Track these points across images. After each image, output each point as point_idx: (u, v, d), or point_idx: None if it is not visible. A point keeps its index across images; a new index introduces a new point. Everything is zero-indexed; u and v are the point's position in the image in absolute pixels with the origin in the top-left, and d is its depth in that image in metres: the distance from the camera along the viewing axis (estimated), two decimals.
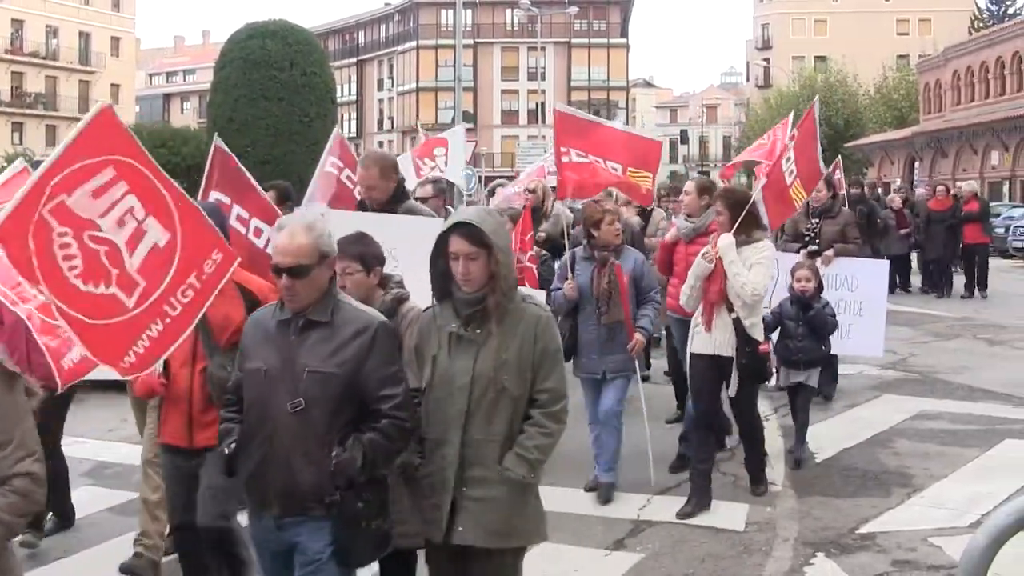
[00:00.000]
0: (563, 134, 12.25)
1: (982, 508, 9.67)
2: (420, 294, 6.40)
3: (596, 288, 10.13)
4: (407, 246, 7.90)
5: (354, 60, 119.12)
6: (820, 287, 11.70)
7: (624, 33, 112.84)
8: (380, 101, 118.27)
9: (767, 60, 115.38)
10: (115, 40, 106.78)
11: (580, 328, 10.24)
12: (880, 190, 36.17)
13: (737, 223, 9.59)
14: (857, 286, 13.75)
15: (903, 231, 27.11)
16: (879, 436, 12.69)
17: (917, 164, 66.87)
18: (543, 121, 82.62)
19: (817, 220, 14.39)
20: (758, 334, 9.65)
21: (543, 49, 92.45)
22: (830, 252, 13.89)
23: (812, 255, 13.44)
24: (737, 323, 9.51)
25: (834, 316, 11.64)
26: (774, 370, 10.68)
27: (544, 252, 14.11)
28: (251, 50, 42.19)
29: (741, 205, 9.69)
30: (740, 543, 9.08)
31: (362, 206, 9.73)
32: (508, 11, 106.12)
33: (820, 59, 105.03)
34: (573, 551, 8.68)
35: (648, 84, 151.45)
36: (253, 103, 41.14)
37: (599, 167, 12.14)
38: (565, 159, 12.15)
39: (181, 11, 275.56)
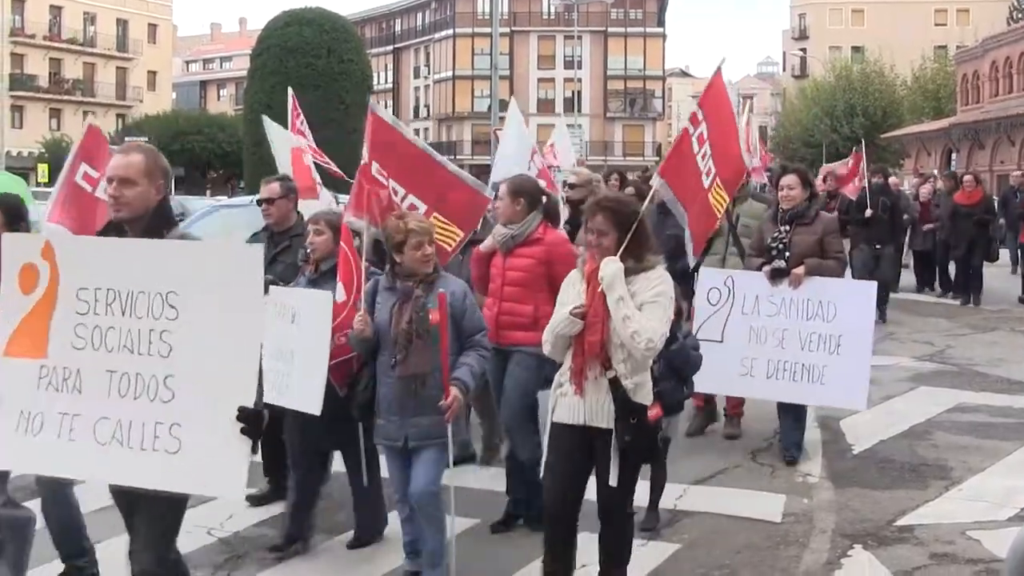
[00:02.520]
0: (375, 145, 9.22)
1: (1021, 501, 9.64)
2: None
3: (394, 328, 7.70)
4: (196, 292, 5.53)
5: (390, 48, 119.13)
6: (680, 315, 9.01)
7: (660, 22, 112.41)
8: (416, 89, 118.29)
9: (804, 50, 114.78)
10: (152, 27, 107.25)
11: (378, 380, 7.87)
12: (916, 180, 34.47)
13: (625, 244, 7.02)
14: (835, 315, 10.82)
15: (927, 226, 25.10)
16: (916, 428, 12.61)
17: (954, 155, 66.41)
18: (579, 110, 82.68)
19: (788, 228, 11.20)
20: (645, 396, 7.08)
21: (579, 38, 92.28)
22: (800, 269, 10.97)
23: (778, 274, 11.03)
24: (615, 385, 6.98)
25: (697, 349, 9.09)
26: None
27: None
28: (288, 37, 42.39)
29: (629, 220, 7.09)
30: (777, 534, 9.04)
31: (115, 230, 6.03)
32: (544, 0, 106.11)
33: (857, 49, 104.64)
34: None
35: (684, 73, 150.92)
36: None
37: (393, 198, 9.20)
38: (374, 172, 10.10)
39: None
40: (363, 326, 7.70)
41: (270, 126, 13.58)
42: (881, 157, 57.53)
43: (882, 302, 19.71)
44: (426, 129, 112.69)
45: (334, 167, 13.47)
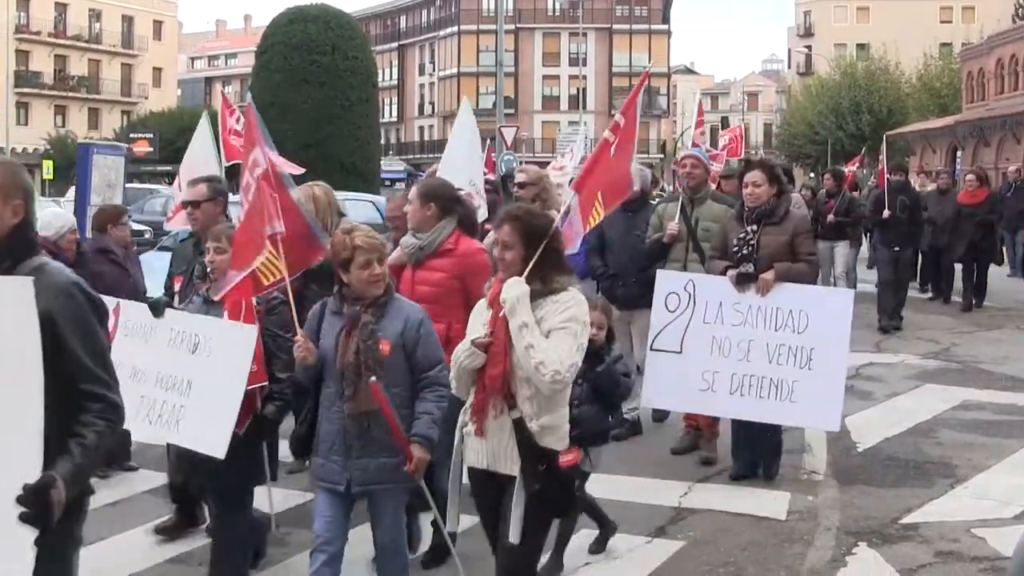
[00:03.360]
0: (250, 134, 8.33)
1: None
2: None
3: (341, 359, 6.68)
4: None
5: (396, 45, 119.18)
6: (611, 336, 8.43)
7: (666, 19, 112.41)
8: (421, 86, 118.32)
9: (809, 47, 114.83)
10: (157, 24, 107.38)
11: (320, 414, 6.87)
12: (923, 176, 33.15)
13: (533, 262, 6.09)
14: (807, 326, 9.81)
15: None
16: (921, 426, 12.59)
17: (959, 153, 66.33)
18: (584, 107, 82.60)
19: (755, 228, 10.14)
20: (556, 440, 6.12)
21: (584, 35, 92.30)
22: (769, 275, 9.93)
23: (743, 279, 10.03)
24: (520, 426, 6.04)
25: (628, 375, 8.36)
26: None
27: None
28: (293, 34, 42.45)
29: (539, 234, 6.15)
30: (782, 532, 9.04)
31: None
32: None
33: (862, 47, 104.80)
34: (615, 537, 8.65)
35: (689, 70, 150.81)
36: (294, 87, 41.37)
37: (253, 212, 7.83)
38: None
39: None
40: (304, 353, 6.72)
41: (203, 127, 13.42)
42: (887, 155, 57.32)
43: (900, 307, 19.84)
44: (431, 126, 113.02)
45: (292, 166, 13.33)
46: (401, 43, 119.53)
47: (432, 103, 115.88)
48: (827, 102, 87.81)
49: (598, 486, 8.47)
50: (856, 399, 13.84)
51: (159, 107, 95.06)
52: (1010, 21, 68.32)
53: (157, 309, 8.02)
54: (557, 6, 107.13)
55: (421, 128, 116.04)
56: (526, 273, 6.07)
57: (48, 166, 64.89)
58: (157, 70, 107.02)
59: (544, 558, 7.38)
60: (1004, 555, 7.67)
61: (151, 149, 72.68)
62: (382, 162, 52.57)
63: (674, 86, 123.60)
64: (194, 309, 7.89)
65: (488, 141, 14.65)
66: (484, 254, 8.02)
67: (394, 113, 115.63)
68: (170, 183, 62.09)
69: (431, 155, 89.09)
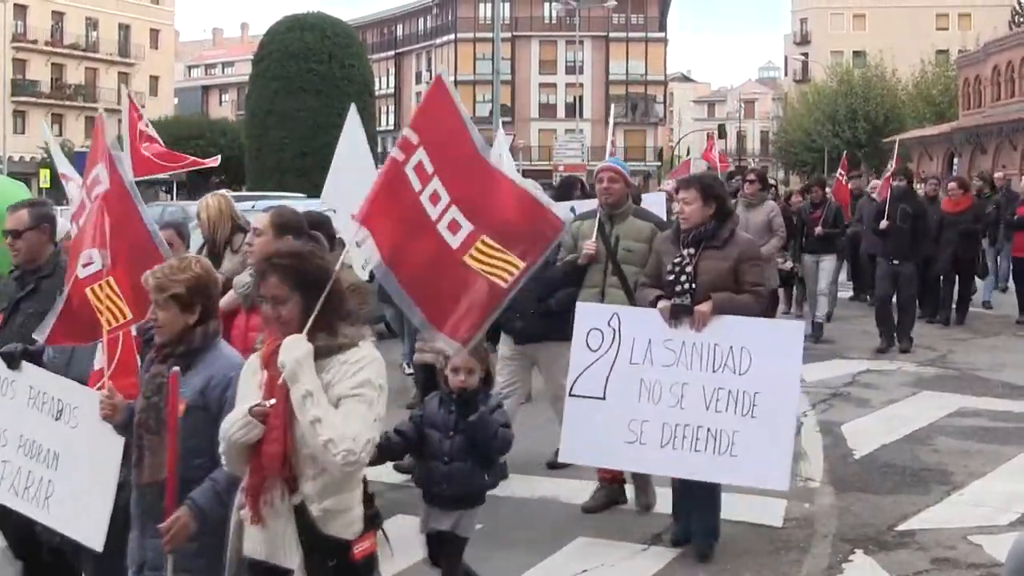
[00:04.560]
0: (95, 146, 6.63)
1: (1022, 506, 9.65)
2: None
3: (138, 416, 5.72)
4: None
5: (392, 53, 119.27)
6: (489, 380, 7.44)
7: (662, 27, 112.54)
8: (418, 94, 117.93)
9: (805, 55, 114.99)
10: (154, 32, 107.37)
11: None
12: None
13: (314, 315, 5.03)
14: (749, 366, 8.26)
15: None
16: (918, 433, 12.57)
17: (956, 160, 66.42)
18: (581, 115, 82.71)
19: (692, 251, 8.63)
20: (346, 526, 5.12)
21: (581, 43, 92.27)
22: (705, 306, 8.41)
23: (677, 311, 8.50)
24: (300, 512, 5.04)
25: (507, 426, 7.22)
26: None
27: None
28: (289, 42, 42.58)
29: (316, 279, 5.10)
30: (778, 539, 9.05)
31: None
32: (546, 4, 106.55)
33: (858, 54, 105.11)
34: (610, 545, 8.67)
35: (686, 78, 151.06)
36: (291, 95, 41.50)
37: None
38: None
39: (220, 4, 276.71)
40: (108, 410, 5.87)
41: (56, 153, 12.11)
42: (882, 162, 57.39)
43: (909, 327, 18.25)
44: None
45: (197, 163, 13.03)
46: (398, 51, 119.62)
47: None
48: (824, 109, 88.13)
49: (591, 495, 8.46)
50: (853, 406, 13.89)
51: (156, 116, 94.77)
52: (1006, 28, 68.56)
53: (12, 360, 6.81)
54: (554, 14, 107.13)
55: None
56: (307, 328, 5.01)
57: (45, 175, 64.74)
58: (154, 78, 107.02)
59: None
60: (1000, 562, 7.65)
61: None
62: (378, 170, 52.51)
63: (671, 94, 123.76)
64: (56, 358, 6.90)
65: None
66: None
67: (391, 121, 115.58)
68: (167, 192, 61.95)
69: None
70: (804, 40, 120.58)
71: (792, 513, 9.68)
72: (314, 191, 20.48)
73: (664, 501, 9.56)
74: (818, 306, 19.34)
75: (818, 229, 19.21)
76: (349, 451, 4.79)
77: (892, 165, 20.91)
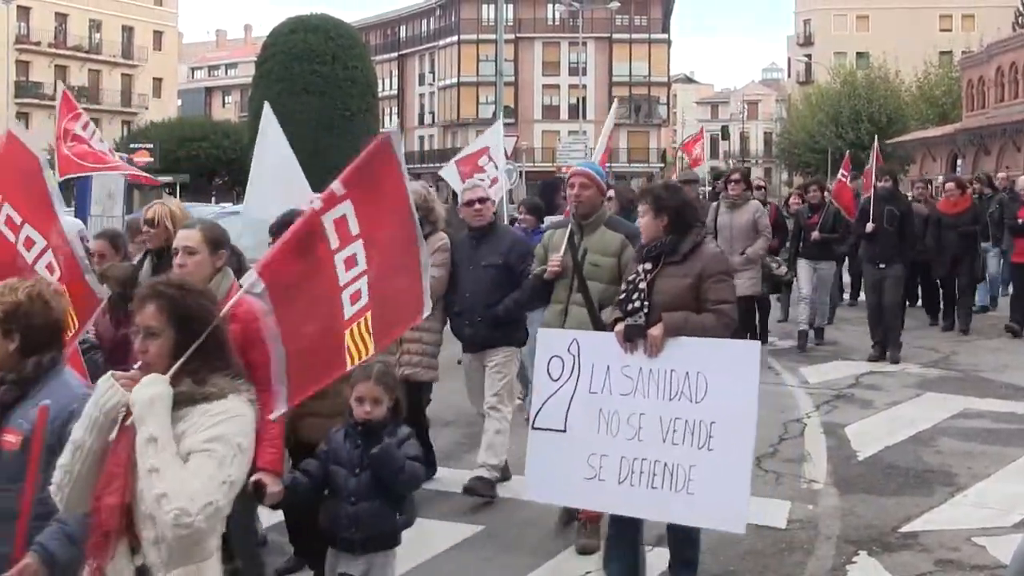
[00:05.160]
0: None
1: None
2: None
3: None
4: None
5: (395, 54, 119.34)
6: (398, 411, 6.71)
7: (665, 28, 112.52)
8: (421, 95, 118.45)
9: (809, 56, 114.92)
10: (157, 34, 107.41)
11: None
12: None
13: (186, 356, 4.47)
14: (705, 393, 7.31)
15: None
16: (922, 434, 12.56)
17: (960, 161, 66.35)
18: (584, 116, 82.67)
19: (649, 268, 7.73)
20: None
21: (584, 44, 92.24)
22: (656, 329, 7.45)
23: (633, 333, 7.54)
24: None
25: (418, 458, 6.59)
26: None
27: None
28: (293, 44, 42.69)
29: (197, 319, 4.53)
30: (782, 541, 9.03)
31: None
32: (549, 6, 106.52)
33: (862, 55, 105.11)
34: None
35: (689, 80, 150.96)
36: (294, 97, 41.57)
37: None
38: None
39: (223, 5, 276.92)
40: None
41: None
42: (887, 163, 57.43)
43: (895, 334, 17.52)
44: (431, 136, 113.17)
45: (134, 170, 12.92)
46: (401, 53, 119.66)
47: (432, 112, 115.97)
48: (827, 111, 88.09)
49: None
50: (857, 408, 13.88)
51: (159, 117, 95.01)
52: (1010, 29, 68.43)
53: None
54: (557, 15, 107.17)
55: (421, 138, 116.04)
56: (173, 370, 4.42)
57: (48, 176, 64.89)
58: (157, 80, 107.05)
59: None
60: (1004, 563, 7.65)
61: (152, 159, 72.75)
62: None
63: (674, 95, 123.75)
64: None
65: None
66: (261, 320, 5.55)
67: (394, 123, 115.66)
68: (171, 193, 61.96)
69: (431, 164, 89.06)
70: (807, 41, 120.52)
71: (796, 514, 9.67)
72: (316, 190, 20.52)
73: None
74: (814, 313, 18.69)
75: (815, 234, 18.37)
76: (182, 511, 4.06)
77: (873, 162, 19.72)
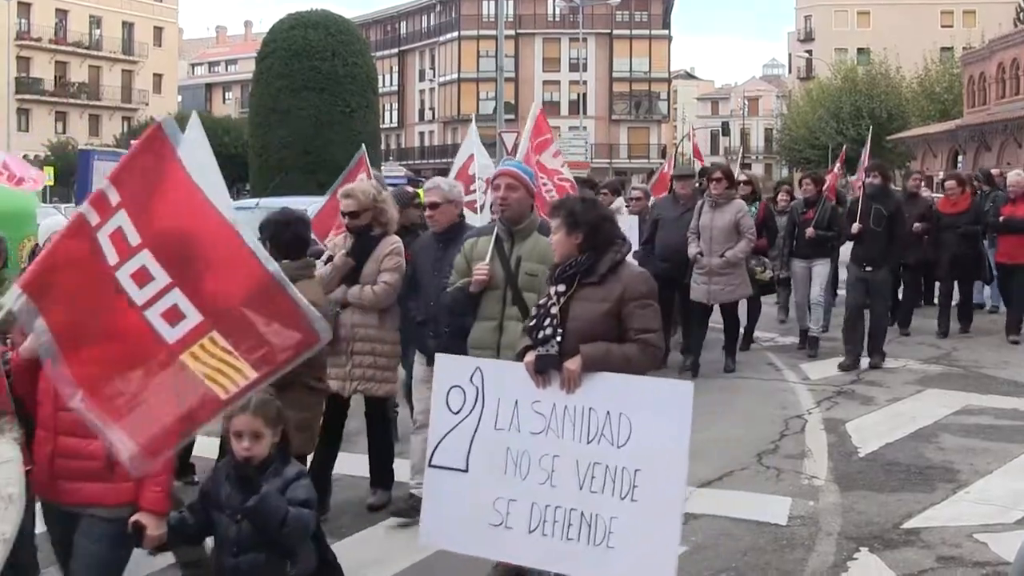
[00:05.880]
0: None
1: None
2: None
3: None
4: None
5: (396, 50, 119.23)
6: (286, 445, 5.91)
7: (666, 24, 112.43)
8: (422, 92, 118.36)
9: (809, 52, 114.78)
10: (158, 30, 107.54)
11: None
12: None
13: None
14: (628, 437, 6.38)
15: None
16: (923, 431, 12.53)
17: (961, 157, 66.31)
18: (584, 112, 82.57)
19: (564, 288, 6.86)
20: None
21: (585, 40, 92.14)
22: (573, 362, 6.53)
23: (544, 365, 6.62)
24: None
25: (308, 504, 5.68)
26: None
27: None
28: (293, 40, 42.63)
29: None
30: (783, 537, 9.01)
31: None
32: (550, 2, 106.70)
33: (862, 51, 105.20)
34: None
35: (690, 76, 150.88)
36: (295, 93, 41.57)
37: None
38: None
39: (223, 1, 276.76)
40: None
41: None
42: (887, 159, 57.36)
43: (879, 340, 16.56)
44: (431, 132, 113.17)
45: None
46: (401, 49, 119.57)
47: (432, 109, 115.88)
48: (828, 107, 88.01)
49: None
50: (858, 404, 13.85)
51: (159, 113, 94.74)
52: (1011, 25, 68.44)
53: None
54: (557, 11, 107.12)
55: (421, 134, 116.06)
56: None
57: (49, 172, 64.86)
58: (157, 76, 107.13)
59: None
60: (1006, 560, 7.65)
61: None
62: (382, 168, 52.65)
63: (674, 91, 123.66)
64: None
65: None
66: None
67: (394, 119, 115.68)
68: None
69: (432, 161, 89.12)
70: (808, 37, 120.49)
71: (797, 511, 9.65)
72: (318, 190, 20.52)
73: None
74: (811, 317, 17.67)
75: (809, 231, 17.12)
76: None
77: (865, 159, 18.65)
